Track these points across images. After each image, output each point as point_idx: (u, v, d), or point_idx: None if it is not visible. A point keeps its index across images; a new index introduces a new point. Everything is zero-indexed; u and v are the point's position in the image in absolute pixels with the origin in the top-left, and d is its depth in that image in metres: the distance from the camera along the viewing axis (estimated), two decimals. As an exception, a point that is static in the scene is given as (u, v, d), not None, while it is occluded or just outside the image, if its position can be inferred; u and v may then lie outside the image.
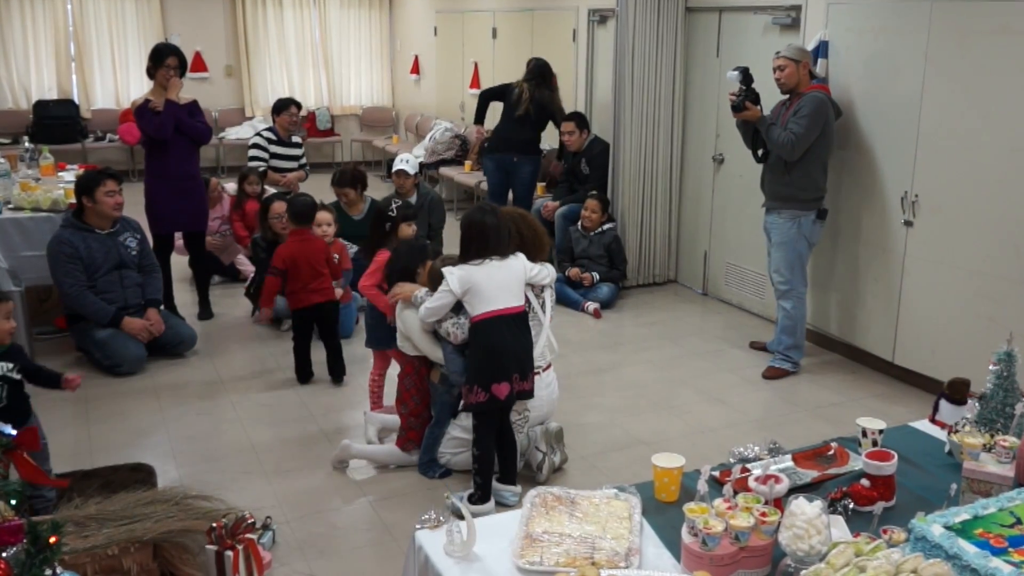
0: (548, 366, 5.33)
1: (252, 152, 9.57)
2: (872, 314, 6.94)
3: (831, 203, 7.06)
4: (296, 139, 9.90)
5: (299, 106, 9.81)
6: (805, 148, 6.56)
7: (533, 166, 9.70)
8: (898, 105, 6.53)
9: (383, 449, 5.55)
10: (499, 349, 4.80)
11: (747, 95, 6.71)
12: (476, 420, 4.90)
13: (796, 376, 6.93)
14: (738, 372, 7.03)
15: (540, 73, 9.46)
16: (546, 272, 5.17)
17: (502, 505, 4.89)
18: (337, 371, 6.74)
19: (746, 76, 6.74)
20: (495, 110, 9.66)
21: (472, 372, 4.85)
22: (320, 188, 10.38)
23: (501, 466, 5.04)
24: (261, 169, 9.43)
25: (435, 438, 5.33)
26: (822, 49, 7.02)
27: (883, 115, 6.67)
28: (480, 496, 4.87)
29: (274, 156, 9.57)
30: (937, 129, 6.26)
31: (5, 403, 4.61)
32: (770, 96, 6.89)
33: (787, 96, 6.76)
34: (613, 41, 8.78)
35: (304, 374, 6.73)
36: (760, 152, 6.89)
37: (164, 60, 7.37)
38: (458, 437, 5.26)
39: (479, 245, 4.89)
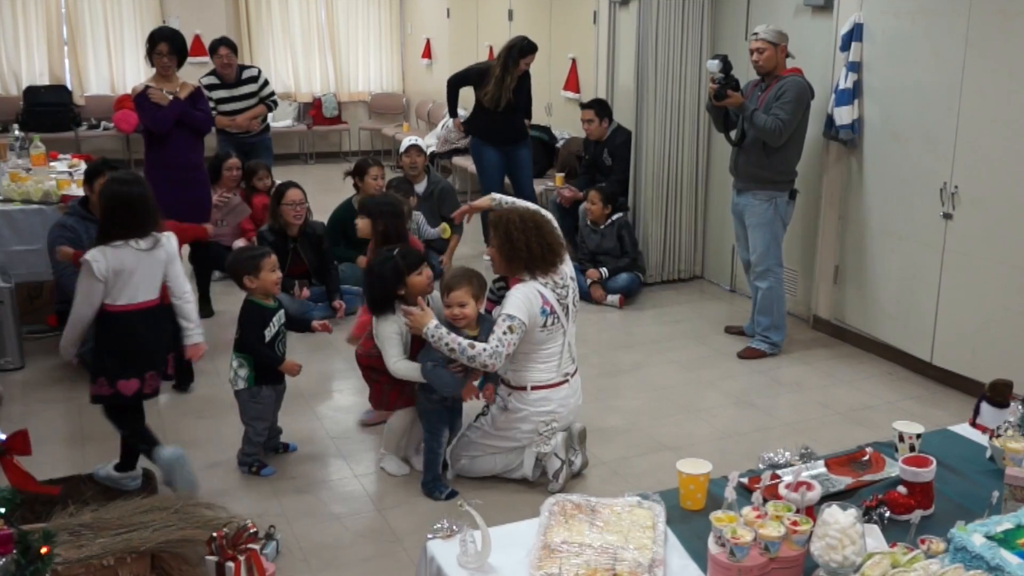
0: (574, 372, 5.31)
1: None
2: (909, 312, 6.92)
3: (863, 195, 7.10)
4: (249, 74, 9.90)
5: (231, 46, 9.79)
6: (791, 133, 6.86)
7: (528, 149, 9.60)
8: (937, 91, 6.51)
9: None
10: (133, 345, 4.91)
11: (727, 83, 6.93)
12: (106, 411, 5.06)
13: (829, 378, 6.93)
14: (768, 373, 7.03)
15: (522, 52, 9.12)
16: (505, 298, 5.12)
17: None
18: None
19: (726, 64, 6.94)
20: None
21: (99, 363, 4.90)
22: (327, 178, 10.44)
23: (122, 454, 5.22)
24: None
25: (435, 452, 5.24)
26: (856, 32, 7.01)
27: (921, 102, 6.65)
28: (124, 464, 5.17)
29: (220, 101, 9.64)
30: (978, 116, 6.24)
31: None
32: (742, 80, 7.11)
33: (760, 79, 7.07)
34: (636, 23, 8.76)
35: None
36: (734, 135, 7.16)
37: (155, 47, 7.37)
38: (476, 442, 5.27)
39: (124, 222, 4.81)
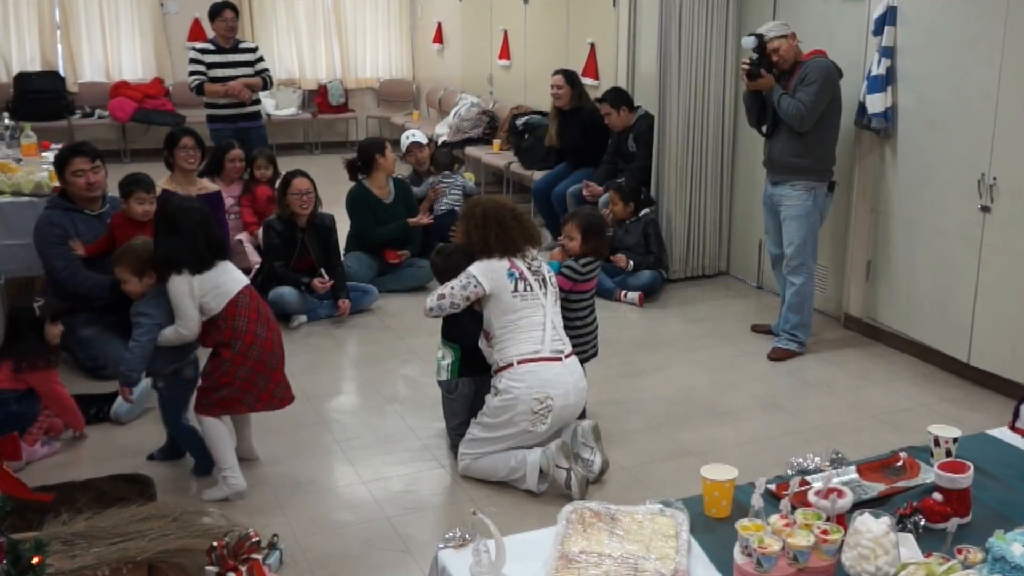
0: (570, 354, 5.36)
1: (189, 68, 9.99)
2: (945, 310, 6.89)
3: (897, 187, 7.10)
4: (246, 45, 10.28)
5: (235, 11, 10.11)
6: (816, 117, 6.82)
7: (583, 169, 9.97)
8: (974, 77, 6.48)
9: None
10: None
11: (761, 62, 6.94)
12: None
13: (861, 379, 6.91)
14: (796, 374, 7.02)
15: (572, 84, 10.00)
16: None
17: None
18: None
19: (761, 42, 6.93)
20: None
21: None
22: (333, 169, 10.42)
23: None
24: (196, 83, 9.89)
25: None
26: (890, 16, 6.98)
27: (957, 89, 6.62)
28: None
29: (213, 66, 9.89)
30: (1018, 104, 6.20)
31: None
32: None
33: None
34: (658, 6, 8.72)
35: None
36: (765, 128, 7.18)
37: (179, 141, 7.50)
38: (477, 437, 5.30)
39: None
